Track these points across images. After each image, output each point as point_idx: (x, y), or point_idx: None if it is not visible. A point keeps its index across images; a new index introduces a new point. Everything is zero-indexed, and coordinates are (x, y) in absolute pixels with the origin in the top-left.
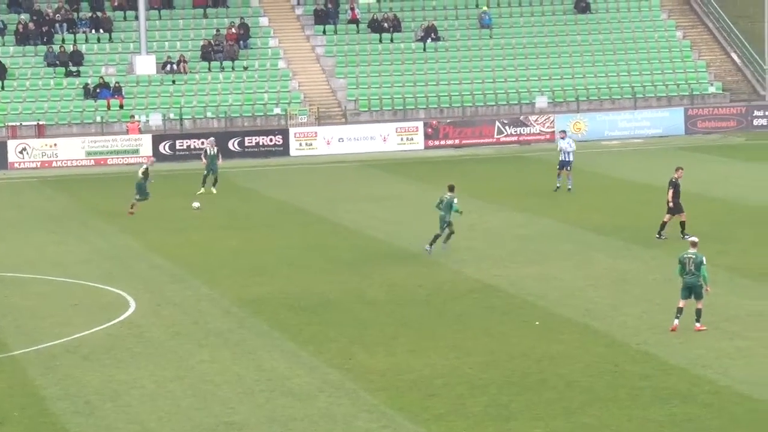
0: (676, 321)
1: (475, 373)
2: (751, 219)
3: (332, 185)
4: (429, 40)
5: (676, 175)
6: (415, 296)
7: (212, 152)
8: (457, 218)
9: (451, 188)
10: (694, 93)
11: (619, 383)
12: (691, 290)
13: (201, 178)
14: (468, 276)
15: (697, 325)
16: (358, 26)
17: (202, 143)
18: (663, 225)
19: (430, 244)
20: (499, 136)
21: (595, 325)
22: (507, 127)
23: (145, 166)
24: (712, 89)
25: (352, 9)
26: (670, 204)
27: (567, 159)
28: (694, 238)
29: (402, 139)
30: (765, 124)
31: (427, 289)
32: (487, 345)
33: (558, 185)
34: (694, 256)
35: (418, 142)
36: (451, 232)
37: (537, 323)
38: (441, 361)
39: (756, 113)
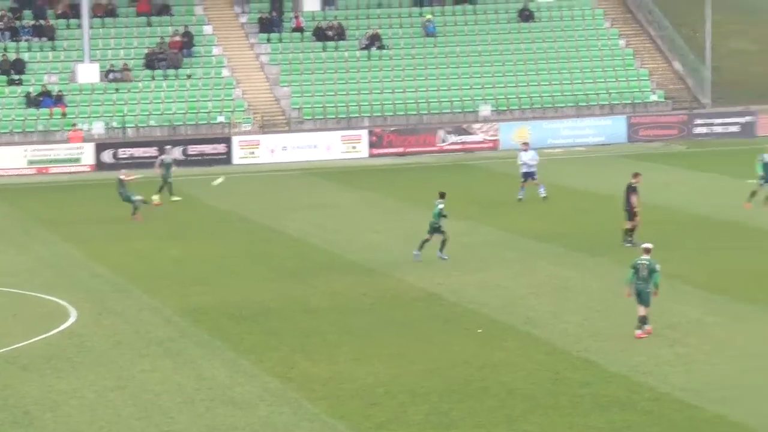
0: (648, 326)
1: (417, 381)
2: (692, 226)
3: (276, 194)
4: (373, 49)
5: (634, 181)
6: (359, 304)
7: (168, 161)
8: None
9: (442, 195)
10: (637, 101)
11: (560, 390)
12: (640, 296)
13: (167, 188)
14: (411, 284)
15: (638, 332)
16: (302, 34)
17: (145, 153)
18: (631, 231)
19: (441, 251)
20: (442, 144)
21: (536, 333)
22: (451, 135)
23: (118, 178)
24: (654, 97)
25: (297, 17)
26: (636, 209)
27: (530, 171)
28: (648, 245)
29: (346, 148)
30: (706, 132)
31: (371, 297)
32: (430, 353)
33: (520, 196)
34: (647, 263)
35: (362, 151)
36: (426, 240)
37: (479, 331)
38: (383, 369)
39: (697, 121)
